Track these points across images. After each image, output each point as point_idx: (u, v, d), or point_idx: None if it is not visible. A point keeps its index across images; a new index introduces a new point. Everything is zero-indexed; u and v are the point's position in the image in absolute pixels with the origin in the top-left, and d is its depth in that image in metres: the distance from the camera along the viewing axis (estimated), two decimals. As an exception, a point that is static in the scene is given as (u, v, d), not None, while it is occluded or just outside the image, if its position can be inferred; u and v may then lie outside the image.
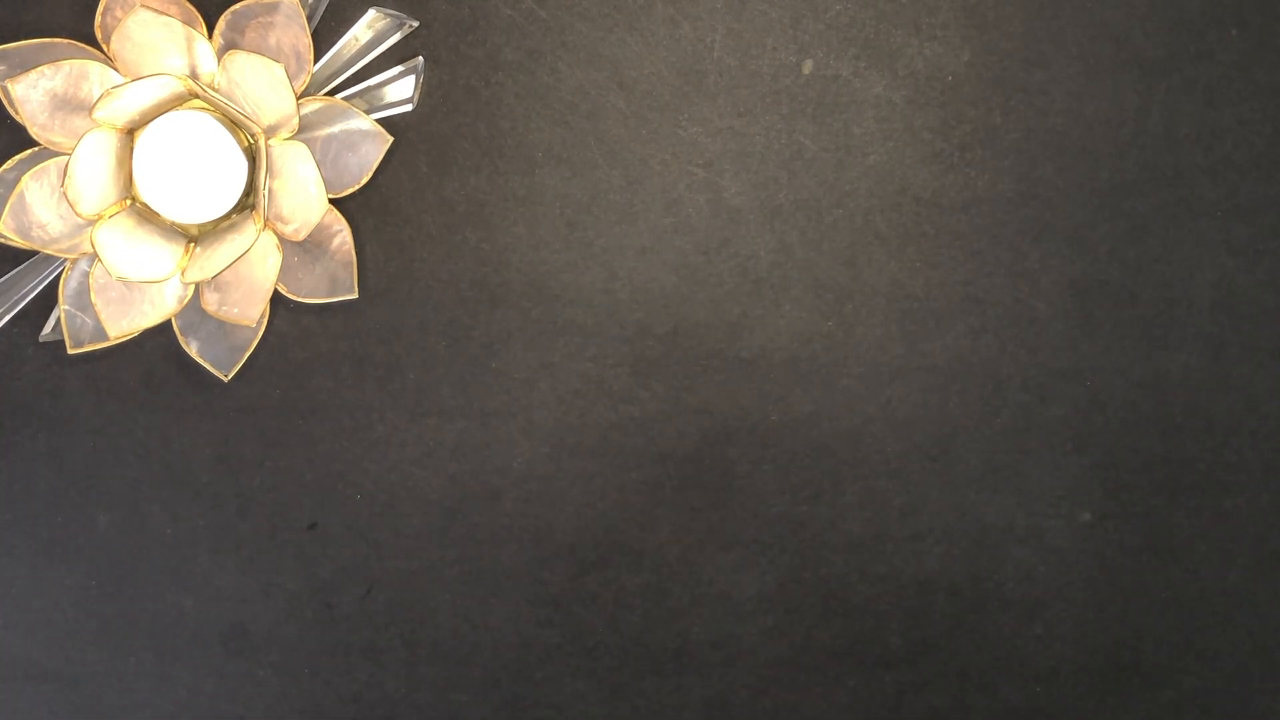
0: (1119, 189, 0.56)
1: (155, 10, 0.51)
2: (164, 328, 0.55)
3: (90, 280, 0.54)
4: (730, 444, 0.58)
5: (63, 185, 0.52)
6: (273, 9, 0.52)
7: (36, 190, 0.53)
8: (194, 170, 0.52)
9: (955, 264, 0.57)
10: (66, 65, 0.52)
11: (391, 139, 0.54)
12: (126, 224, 0.53)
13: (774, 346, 0.57)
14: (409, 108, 0.55)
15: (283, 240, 0.54)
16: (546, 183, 0.56)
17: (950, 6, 0.55)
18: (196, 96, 0.53)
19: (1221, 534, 0.58)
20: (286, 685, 0.59)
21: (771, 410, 0.58)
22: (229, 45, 0.52)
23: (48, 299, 0.55)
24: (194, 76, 0.52)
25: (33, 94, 0.52)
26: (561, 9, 0.55)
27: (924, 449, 0.58)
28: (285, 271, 0.55)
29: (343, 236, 0.55)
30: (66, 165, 0.52)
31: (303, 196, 0.53)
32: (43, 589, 0.58)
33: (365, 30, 0.54)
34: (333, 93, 0.55)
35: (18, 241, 0.53)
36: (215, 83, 0.52)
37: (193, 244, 0.54)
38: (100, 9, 0.52)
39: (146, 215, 0.53)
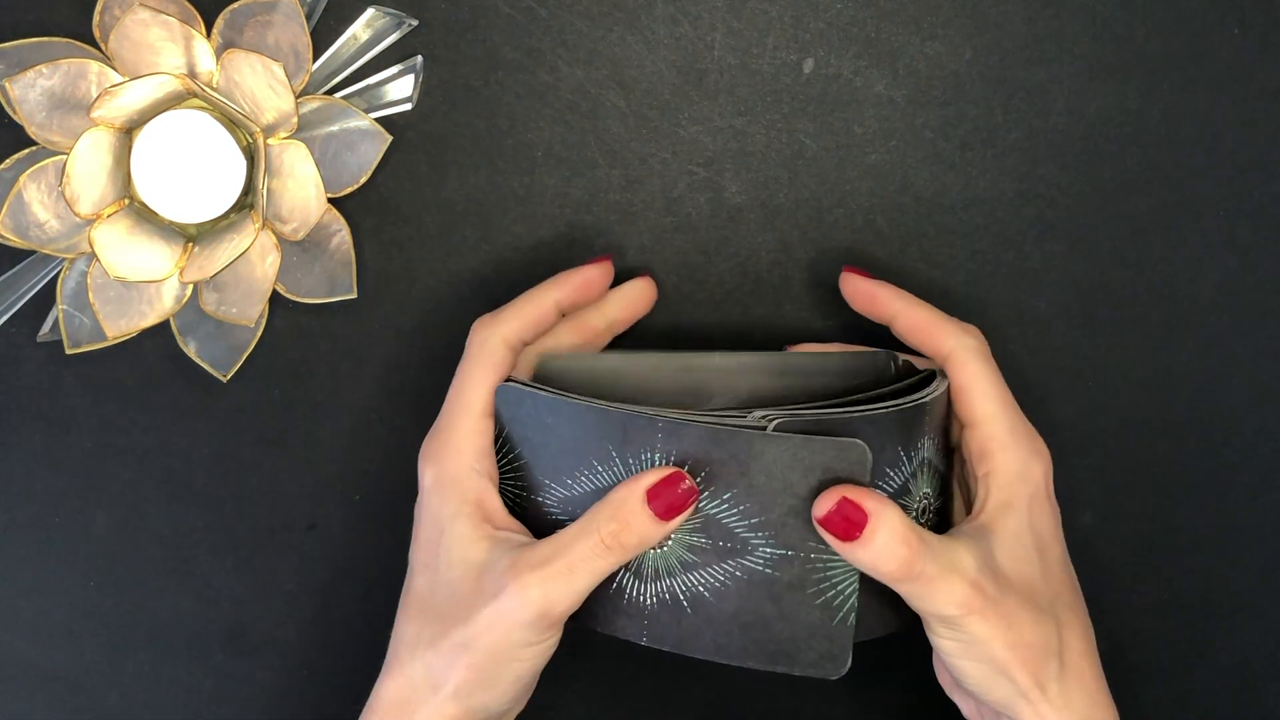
0: (1120, 188, 0.56)
1: (153, 9, 0.51)
2: (162, 328, 0.55)
3: (88, 280, 0.54)
4: (730, 443, 0.58)
5: (61, 185, 0.52)
6: (271, 8, 0.52)
7: (34, 190, 0.53)
8: (192, 170, 0.52)
9: (955, 264, 0.57)
10: (64, 64, 0.52)
11: (390, 138, 0.54)
12: (125, 223, 0.53)
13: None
14: (408, 106, 0.55)
15: (281, 240, 0.54)
16: (546, 182, 0.56)
17: (951, 5, 0.55)
18: (195, 95, 0.52)
19: (1221, 534, 0.58)
20: (286, 686, 0.59)
21: (771, 410, 0.57)
22: (227, 44, 0.52)
23: (46, 299, 0.55)
24: (192, 75, 0.52)
25: (31, 93, 0.51)
26: (561, 8, 0.55)
27: (924, 448, 0.58)
28: (284, 271, 0.54)
29: (342, 236, 0.55)
30: (65, 164, 0.51)
31: (301, 196, 0.53)
32: (42, 589, 0.58)
33: (364, 29, 0.54)
34: (331, 92, 0.54)
35: (15, 241, 0.53)
36: (214, 82, 0.52)
37: (191, 244, 0.54)
38: (98, 8, 0.52)
39: (145, 215, 0.53)
